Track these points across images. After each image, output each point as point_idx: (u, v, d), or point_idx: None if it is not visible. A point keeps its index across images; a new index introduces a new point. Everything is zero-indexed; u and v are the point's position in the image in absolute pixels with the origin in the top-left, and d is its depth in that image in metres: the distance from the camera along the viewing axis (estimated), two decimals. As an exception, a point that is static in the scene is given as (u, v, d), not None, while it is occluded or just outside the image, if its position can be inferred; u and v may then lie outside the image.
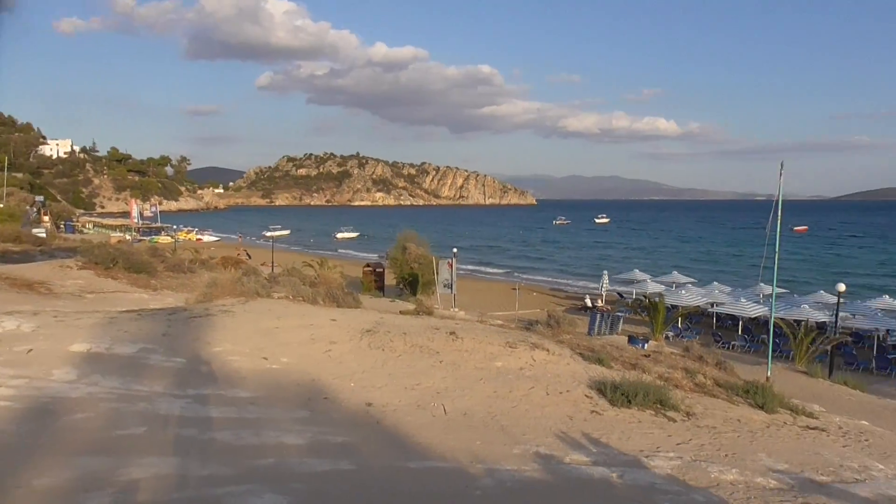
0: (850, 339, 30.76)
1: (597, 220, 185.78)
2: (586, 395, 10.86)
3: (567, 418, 9.87)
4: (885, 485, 8.40)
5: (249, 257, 54.70)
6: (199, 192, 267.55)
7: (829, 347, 24.98)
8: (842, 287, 27.24)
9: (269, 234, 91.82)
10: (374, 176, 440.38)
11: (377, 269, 38.97)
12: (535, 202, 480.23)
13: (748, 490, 7.66)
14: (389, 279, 38.13)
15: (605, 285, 45.15)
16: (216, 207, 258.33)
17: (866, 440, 10.85)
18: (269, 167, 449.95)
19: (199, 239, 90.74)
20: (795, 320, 29.53)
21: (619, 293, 46.25)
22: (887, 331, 31.05)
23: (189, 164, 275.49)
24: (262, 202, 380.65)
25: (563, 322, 16.50)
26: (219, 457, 6.99)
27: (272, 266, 45.27)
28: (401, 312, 17.88)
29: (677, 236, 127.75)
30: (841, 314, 28.98)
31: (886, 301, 35.75)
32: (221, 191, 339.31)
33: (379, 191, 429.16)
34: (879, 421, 15.24)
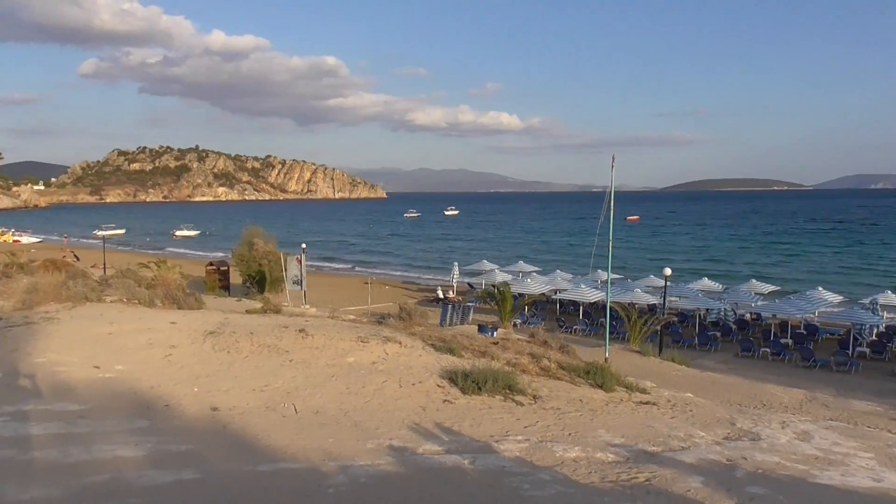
0: (676, 318, 33.52)
1: (446, 213, 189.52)
2: (438, 385, 11.02)
3: (420, 409, 9.95)
4: (706, 450, 9.21)
5: (77, 259, 50.55)
6: (15, 188, 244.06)
7: (658, 327, 27.06)
8: (668, 271, 29.61)
9: (100, 233, 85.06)
10: (216, 170, 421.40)
11: (221, 268, 37.35)
12: (385, 196, 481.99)
13: (589, 465, 8.10)
14: (235, 278, 36.70)
15: (455, 276, 46.15)
16: (36, 206, 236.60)
17: (691, 411, 11.83)
18: (98, 162, 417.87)
19: (17, 240, 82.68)
20: (630, 303, 31.75)
21: (469, 284, 47.42)
22: (707, 310, 34.15)
23: (1, 159, 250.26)
24: (91, 199, 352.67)
25: (415, 314, 16.65)
26: (43, 477, 6.38)
27: (104, 268, 42.12)
28: (247, 312, 17.23)
29: (522, 227, 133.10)
30: (668, 297, 31.51)
31: (705, 283, 39.32)
32: (42, 187, 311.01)
33: (221, 185, 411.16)
34: (702, 392, 16.71)
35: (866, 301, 33.32)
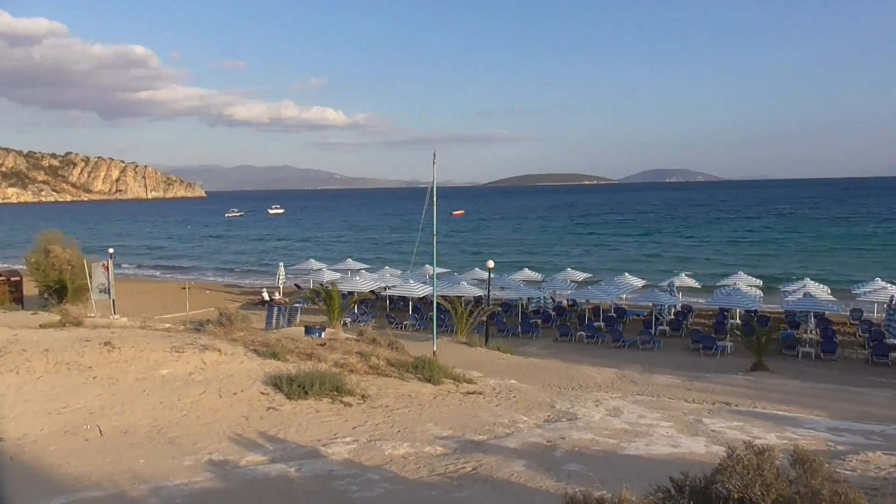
0: (500, 309, 34.94)
1: (270, 211, 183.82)
2: (262, 393, 10.55)
3: (242, 419, 9.46)
4: (529, 434, 9.58)
5: None
6: None
7: (484, 318, 28.02)
8: (491, 264, 30.71)
9: None
10: (5, 168, 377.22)
11: (12, 279, 33.44)
12: (204, 195, 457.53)
13: (418, 460, 8.11)
14: (30, 289, 33.03)
15: (281, 277, 44.85)
16: None
17: (515, 397, 12.29)
18: None
19: None
20: (457, 296, 32.59)
21: (296, 284, 46.29)
22: (528, 299, 35.93)
23: None
24: None
25: (237, 319, 15.84)
26: None
27: None
28: (41, 326, 15.52)
29: (349, 225, 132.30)
30: (492, 287, 32.71)
31: (526, 273, 41.33)
32: None
33: (11, 186, 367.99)
34: (526, 378, 17.47)
35: (664, 284, 36.70)
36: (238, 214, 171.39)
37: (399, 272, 42.64)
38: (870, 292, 32.41)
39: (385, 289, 38.57)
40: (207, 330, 14.80)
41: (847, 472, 6.84)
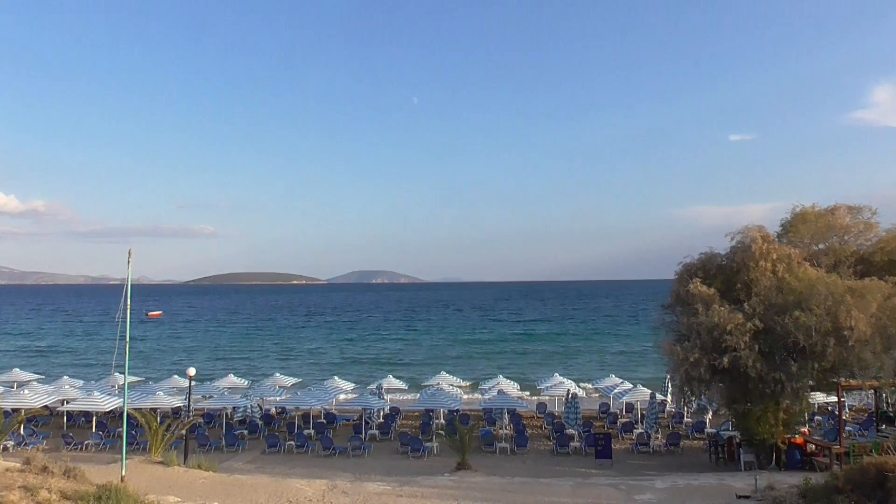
0: (202, 420, 32.22)
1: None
2: None
3: None
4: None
5: None
6: None
7: (183, 432, 25.49)
8: (192, 371, 28.41)
9: None
10: None
11: None
12: None
13: None
14: None
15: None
16: None
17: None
18: None
19: None
20: (152, 408, 29.36)
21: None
22: (233, 408, 33.71)
23: None
24: None
25: None
26: None
27: None
28: None
29: (13, 329, 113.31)
30: (193, 396, 30.14)
31: (231, 380, 39.03)
32: None
33: None
34: (230, 498, 16.04)
35: (373, 386, 37.26)
36: None
37: (81, 382, 37.57)
38: (551, 387, 36.36)
39: (63, 402, 33.44)
40: None
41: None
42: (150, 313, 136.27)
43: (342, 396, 36.47)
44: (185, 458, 23.59)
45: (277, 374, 40.88)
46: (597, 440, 26.01)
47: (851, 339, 19.86)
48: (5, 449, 25.17)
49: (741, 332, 20.64)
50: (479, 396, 36.50)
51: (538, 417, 34.11)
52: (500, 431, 30.19)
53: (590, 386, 39.66)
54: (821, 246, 24.84)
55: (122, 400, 24.25)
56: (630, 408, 34.55)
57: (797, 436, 23.27)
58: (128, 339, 18.56)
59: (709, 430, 28.97)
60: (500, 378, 38.60)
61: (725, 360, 20.53)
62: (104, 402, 31.09)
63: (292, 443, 28.10)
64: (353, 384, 38.70)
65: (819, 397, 28.74)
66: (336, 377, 38.66)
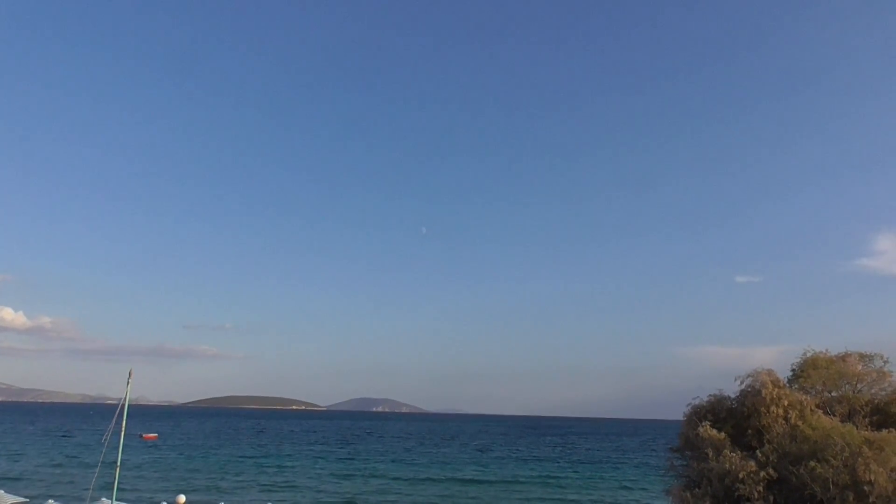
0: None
1: None
2: None
3: None
4: None
5: None
6: None
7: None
8: (182, 499, 27.34)
9: None
10: None
11: None
12: None
13: None
14: None
15: None
16: None
17: None
18: None
19: None
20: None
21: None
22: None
23: None
24: None
25: None
26: None
27: None
28: None
29: (6, 448, 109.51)
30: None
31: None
32: None
33: None
34: None
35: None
36: None
37: (66, 507, 36.01)
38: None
39: (44, 529, 31.95)
40: None
41: None
42: (145, 435, 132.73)
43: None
44: None
45: (270, 506, 39.17)
46: None
47: (872, 496, 19.00)
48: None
49: (754, 482, 19.85)
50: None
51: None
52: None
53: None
54: (833, 393, 24.33)
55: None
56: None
57: None
58: (118, 462, 17.98)
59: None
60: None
61: (739, 510, 19.62)
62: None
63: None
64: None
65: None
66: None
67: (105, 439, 16.79)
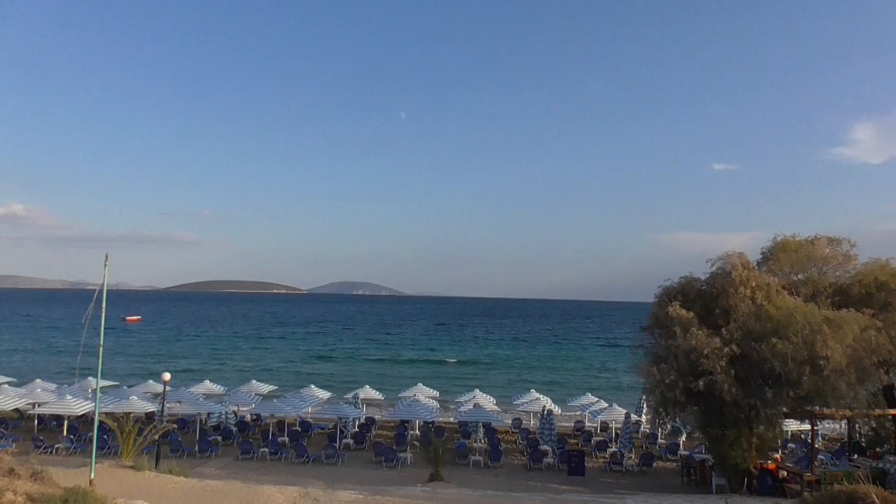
0: (175, 426, 31.84)
1: None
2: None
3: None
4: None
5: None
6: None
7: (156, 437, 25.16)
8: (167, 376, 28.16)
9: None
10: None
11: None
12: None
13: None
14: None
15: None
16: None
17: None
18: None
19: None
20: (125, 413, 28.97)
21: None
22: (208, 414, 33.37)
23: None
24: None
25: None
26: None
27: None
28: None
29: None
30: (168, 402, 29.82)
31: (207, 386, 38.66)
32: None
33: None
34: (198, 503, 15.85)
35: (349, 396, 37.03)
36: None
37: (54, 386, 37.02)
38: (527, 402, 36.38)
39: (34, 406, 32.95)
40: None
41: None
42: (128, 318, 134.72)
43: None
44: (157, 463, 23.32)
45: (253, 382, 40.53)
46: (570, 457, 26.08)
47: (827, 369, 20.05)
48: (-28, 449, 24.65)
49: (718, 357, 20.79)
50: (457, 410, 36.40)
51: (513, 432, 34.10)
52: (475, 445, 30.13)
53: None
54: (800, 276, 25.11)
55: (94, 404, 23.95)
56: (605, 426, 34.66)
57: (769, 462, 23.40)
58: (101, 343, 18.36)
59: (682, 452, 29.08)
60: (477, 392, 38.53)
61: (701, 383, 20.67)
62: (76, 406, 30.66)
63: (266, 450, 27.85)
64: (330, 394, 38.41)
65: (792, 425, 28.94)
66: (313, 386, 38.39)
67: (85, 321, 16.92)
